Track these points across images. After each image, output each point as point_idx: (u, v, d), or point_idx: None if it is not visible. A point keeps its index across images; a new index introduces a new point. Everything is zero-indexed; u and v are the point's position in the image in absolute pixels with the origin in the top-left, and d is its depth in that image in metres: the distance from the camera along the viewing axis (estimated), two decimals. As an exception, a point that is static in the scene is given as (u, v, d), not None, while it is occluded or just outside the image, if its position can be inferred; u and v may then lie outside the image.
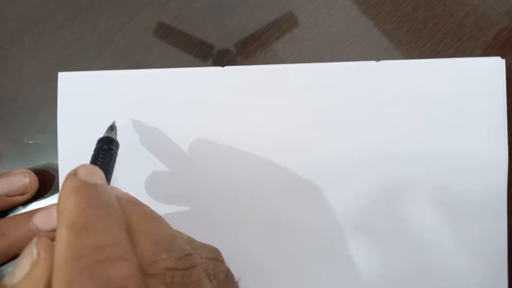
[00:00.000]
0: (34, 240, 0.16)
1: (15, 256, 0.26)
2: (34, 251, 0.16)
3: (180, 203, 0.28)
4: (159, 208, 0.27)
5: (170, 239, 0.16)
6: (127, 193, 0.19)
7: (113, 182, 0.23)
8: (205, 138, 0.28)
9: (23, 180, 0.27)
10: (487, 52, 0.28)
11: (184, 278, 0.15)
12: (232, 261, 0.20)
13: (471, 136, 0.27)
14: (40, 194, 0.29)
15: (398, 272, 0.27)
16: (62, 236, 0.15)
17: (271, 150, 0.28)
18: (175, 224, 0.25)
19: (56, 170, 0.29)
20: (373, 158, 0.27)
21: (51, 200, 0.29)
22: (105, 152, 0.22)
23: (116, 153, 0.23)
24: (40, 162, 0.29)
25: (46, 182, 0.29)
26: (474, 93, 0.27)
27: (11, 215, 0.28)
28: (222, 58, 0.29)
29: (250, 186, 0.28)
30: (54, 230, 0.26)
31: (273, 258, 0.28)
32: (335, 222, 0.27)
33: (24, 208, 0.29)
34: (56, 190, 0.29)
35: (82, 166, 0.17)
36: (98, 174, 0.18)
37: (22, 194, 0.27)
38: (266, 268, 0.28)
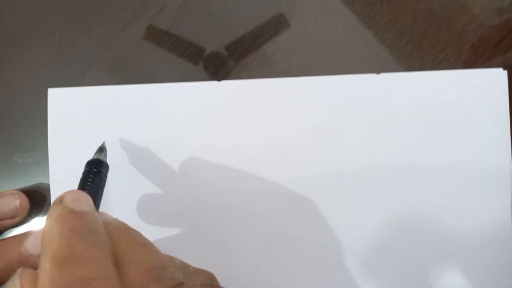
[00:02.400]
0: (18, 272, 0.15)
1: (5, 282, 0.25)
2: (17, 284, 0.15)
3: (175, 221, 0.27)
4: (153, 228, 0.27)
5: (161, 267, 0.16)
6: (116, 219, 0.18)
7: (104, 203, 0.22)
8: (201, 153, 0.27)
9: (13, 202, 0.26)
10: (488, 61, 0.28)
11: None
12: (230, 277, 0.19)
13: (474, 148, 0.27)
14: (31, 215, 0.28)
15: (398, 283, 0.27)
16: (46, 269, 0.14)
17: (269, 163, 0.27)
18: (170, 244, 0.24)
19: (47, 190, 0.28)
20: (374, 170, 0.27)
21: (43, 222, 0.28)
22: (94, 175, 0.21)
23: (105, 176, 0.22)
24: (30, 182, 0.28)
25: (37, 203, 0.28)
26: (476, 105, 0.27)
27: (1, 238, 0.27)
28: (218, 69, 0.29)
29: (246, 200, 0.27)
30: None
31: (273, 271, 0.27)
32: (336, 234, 0.27)
33: (15, 230, 0.28)
34: (47, 211, 0.28)
35: (69, 192, 0.17)
36: (85, 200, 0.17)
37: (12, 218, 0.26)
38: (265, 283, 0.27)
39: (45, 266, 0.14)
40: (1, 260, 0.24)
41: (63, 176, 0.27)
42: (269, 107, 0.27)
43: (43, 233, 0.15)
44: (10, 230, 0.28)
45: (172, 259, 0.17)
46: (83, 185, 0.21)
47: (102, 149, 0.24)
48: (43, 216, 0.28)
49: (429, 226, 0.27)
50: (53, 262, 0.14)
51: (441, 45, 0.28)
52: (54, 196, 0.27)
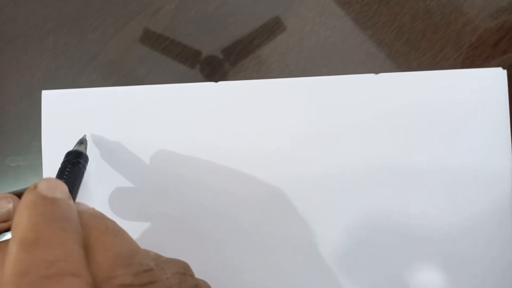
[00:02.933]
0: None
1: None
2: None
3: (168, 222, 0.27)
4: (140, 226, 0.26)
5: (130, 254, 0.16)
6: (92, 208, 0.18)
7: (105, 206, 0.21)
8: (197, 153, 0.27)
9: (6, 206, 0.25)
10: (487, 61, 0.28)
11: None
12: (214, 276, 0.18)
13: (474, 147, 0.26)
14: (24, 219, 0.27)
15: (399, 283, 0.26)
16: (12, 251, 0.14)
17: (266, 164, 0.27)
18: (161, 244, 0.24)
19: (41, 193, 0.27)
20: (373, 170, 0.27)
21: (37, 225, 0.27)
22: (73, 166, 0.22)
23: (84, 167, 0.22)
24: (24, 185, 0.28)
25: (30, 206, 0.27)
26: (476, 105, 0.26)
27: (-6, 242, 0.27)
28: (215, 71, 0.28)
29: (242, 200, 0.27)
30: None
31: (259, 273, 0.26)
32: (335, 236, 0.26)
33: (8, 234, 0.27)
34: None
35: (44, 179, 0.17)
36: (60, 188, 0.17)
37: (5, 221, 0.25)
38: (250, 283, 0.27)
39: (12, 249, 0.14)
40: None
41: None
42: (266, 107, 0.27)
43: (14, 217, 0.16)
44: (3, 234, 0.27)
45: (146, 250, 0.17)
46: (60, 175, 0.21)
47: (82, 142, 0.24)
48: (36, 219, 0.27)
49: (429, 226, 0.26)
50: (19, 244, 0.14)
51: (440, 45, 0.28)
52: (48, 199, 0.26)
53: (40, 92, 0.27)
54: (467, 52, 0.28)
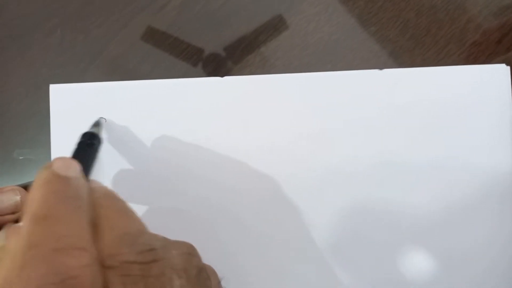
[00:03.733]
0: (6, 227, 0.17)
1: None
2: (3, 235, 0.16)
3: (174, 216, 0.27)
4: (140, 212, 0.27)
5: (136, 234, 0.16)
6: (105, 187, 0.19)
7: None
8: (203, 148, 0.27)
9: (14, 198, 0.26)
10: (491, 57, 0.28)
11: (144, 271, 0.15)
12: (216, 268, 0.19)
13: (477, 143, 0.27)
14: (31, 211, 0.27)
15: (400, 283, 0.27)
16: (25, 225, 0.15)
17: (270, 159, 0.27)
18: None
19: (48, 186, 0.28)
20: (377, 166, 0.27)
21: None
22: (87, 146, 0.22)
23: (98, 148, 0.23)
24: (31, 178, 0.28)
25: (37, 199, 0.28)
26: (479, 101, 0.27)
27: (0, 234, 0.27)
28: (219, 68, 0.29)
29: (247, 195, 0.27)
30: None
31: (260, 266, 0.27)
32: (338, 231, 0.27)
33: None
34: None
35: (58, 158, 0.17)
36: (74, 167, 0.17)
37: (12, 213, 0.26)
38: (252, 275, 0.27)
39: (25, 223, 0.15)
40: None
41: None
42: (271, 102, 0.27)
43: (28, 195, 0.16)
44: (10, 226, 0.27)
45: (153, 233, 0.17)
46: (74, 154, 0.21)
47: (97, 124, 0.25)
48: (43, 212, 0.28)
49: (431, 221, 0.27)
50: (31, 219, 0.15)
51: (444, 42, 0.28)
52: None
53: (46, 88, 0.27)
54: (470, 48, 0.28)
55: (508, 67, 0.26)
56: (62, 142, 0.27)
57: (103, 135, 0.25)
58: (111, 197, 0.18)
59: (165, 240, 0.17)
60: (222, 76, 0.28)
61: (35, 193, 0.16)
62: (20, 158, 0.28)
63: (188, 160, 0.27)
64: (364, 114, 0.27)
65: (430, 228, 0.27)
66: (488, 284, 0.26)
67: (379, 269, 0.27)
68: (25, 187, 0.27)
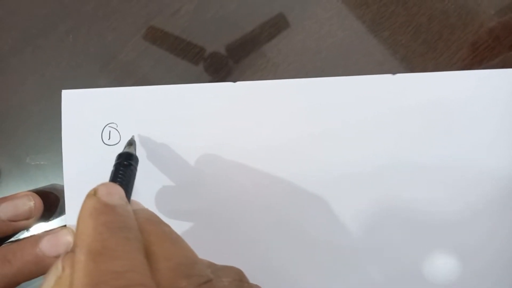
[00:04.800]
0: (62, 256, 0.16)
1: (21, 283, 0.25)
2: (59, 266, 0.16)
3: (191, 218, 0.27)
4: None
5: (190, 264, 0.16)
6: (147, 210, 0.19)
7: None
8: (216, 152, 0.27)
9: (28, 203, 0.26)
10: (503, 62, 0.28)
11: None
12: (248, 274, 0.19)
13: (489, 148, 0.27)
14: (44, 216, 0.27)
15: (406, 283, 0.27)
16: (81, 260, 0.14)
17: (283, 163, 0.27)
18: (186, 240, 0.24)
19: (61, 191, 0.28)
20: (390, 171, 0.27)
21: (56, 223, 0.28)
22: (125, 168, 0.22)
23: (135, 168, 0.22)
24: (43, 183, 0.28)
25: (50, 205, 0.28)
26: (491, 106, 0.27)
27: (15, 239, 0.27)
28: (232, 72, 0.29)
29: (259, 198, 0.27)
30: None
31: (287, 268, 0.27)
32: (346, 234, 0.27)
33: (28, 231, 0.28)
34: (61, 213, 0.28)
35: (102, 185, 0.17)
36: (118, 192, 0.17)
37: (27, 219, 0.26)
38: (277, 275, 0.27)
39: (80, 258, 0.14)
40: (16, 261, 0.24)
41: (77, 177, 0.27)
42: (284, 107, 0.27)
43: (77, 224, 0.16)
44: (24, 231, 0.27)
45: (200, 259, 0.17)
46: (114, 178, 0.21)
47: (131, 143, 0.24)
48: (57, 217, 0.28)
49: (438, 221, 0.27)
50: (88, 255, 0.14)
51: (456, 46, 0.28)
52: (68, 197, 0.27)
53: (59, 92, 0.27)
54: (483, 52, 0.28)
55: (522, 72, 0.26)
56: (74, 148, 0.27)
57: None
58: (156, 222, 0.18)
59: (212, 266, 0.17)
60: (234, 81, 0.28)
61: (85, 224, 0.16)
62: (33, 163, 0.28)
63: (200, 165, 0.27)
64: (377, 118, 0.27)
65: (436, 225, 0.27)
66: (491, 279, 0.26)
67: (387, 267, 0.27)
68: (38, 192, 0.27)
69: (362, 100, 0.27)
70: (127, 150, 0.23)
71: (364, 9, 0.28)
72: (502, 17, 0.28)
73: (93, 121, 0.27)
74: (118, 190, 0.17)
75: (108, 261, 0.14)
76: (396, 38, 0.28)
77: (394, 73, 0.27)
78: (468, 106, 0.27)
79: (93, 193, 0.17)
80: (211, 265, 0.17)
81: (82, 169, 0.27)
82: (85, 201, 0.16)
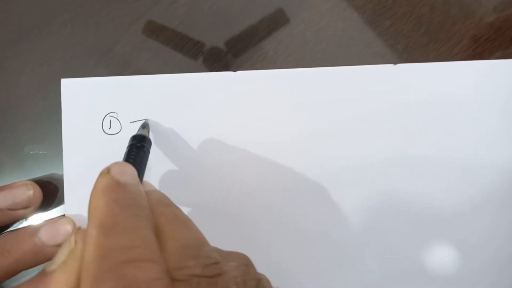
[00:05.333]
0: (74, 231, 0.17)
1: (19, 272, 0.25)
2: (72, 240, 0.16)
3: (190, 208, 0.27)
4: None
5: (198, 245, 0.16)
6: (158, 191, 0.19)
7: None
8: (217, 143, 0.27)
9: (27, 192, 0.26)
10: (505, 53, 0.28)
11: (210, 285, 0.15)
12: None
13: (490, 139, 0.26)
14: (43, 206, 0.27)
15: (407, 277, 0.27)
16: (92, 235, 0.15)
17: (285, 154, 0.27)
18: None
19: (60, 181, 0.27)
20: (389, 161, 0.27)
21: (55, 213, 0.28)
22: (138, 149, 0.22)
23: (148, 151, 0.23)
24: (42, 173, 0.28)
25: (49, 194, 0.27)
26: (492, 96, 0.26)
27: (13, 229, 0.27)
28: (230, 64, 0.28)
29: (262, 189, 0.27)
30: (59, 245, 0.25)
31: (287, 262, 0.27)
32: (348, 228, 0.27)
33: (27, 221, 0.27)
34: (60, 202, 0.27)
35: (115, 163, 0.18)
36: (130, 172, 0.18)
37: (25, 208, 0.26)
38: (278, 269, 0.27)
39: (92, 232, 0.15)
40: (15, 250, 0.24)
41: (77, 166, 0.27)
42: (284, 97, 0.27)
43: (90, 200, 0.16)
44: (22, 220, 0.27)
45: (209, 244, 0.17)
46: (127, 158, 0.21)
47: (145, 126, 0.25)
48: (56, 206, 0.28)
49: (437, 220, 0.26)
50: (99, 229, 0.15)
51: (458, 37, 0.28)
52: (67, 186, 0.27)
53: (56, 83, 0.27)
54: (485, 44, 0.28)
55: (523, 63, 0.26)
56: (74, 137, 0.27)
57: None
58: (166, 203, 0.18)
59: (220, 251, 0.17)
60: (234, 70, 0.28)
61: (97, 200, 0.16)
62: (31, 152, 0.28)
63: (200, 154, 0.27)
64: (378, 109, 0.27)
65: (436, 222, 0.27)
66: (491, 274, 0.26)
67: (387, 262, 0.27)
68: (37, 181, 0.27)
69: (363, 89, 0.27)
70: (140, 132, 0.24)
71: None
72: (504, 9, 0.28)
73: (94, 110, 0.27)
74: (131, 169, 0.18)
75: (118, 236, 0.15)
76: (397, 28, 0.28)
77: (395, 63, 0.27)
78: (470, 96, 0.27)
79: (106, 171, 0.17)
80: (218, 250, 0.18)
81: (82, 158, 0.27)
82: (98, 179, 0.17)
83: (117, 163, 0.18)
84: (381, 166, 0.27)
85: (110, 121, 0.27)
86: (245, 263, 0.17)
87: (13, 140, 0.29)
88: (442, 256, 0.27)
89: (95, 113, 0.27)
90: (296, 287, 0.27)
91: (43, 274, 0.16)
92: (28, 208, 0.26)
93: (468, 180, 0.26)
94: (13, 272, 0.24)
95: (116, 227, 0.15)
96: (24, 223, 0.27)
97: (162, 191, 0.26)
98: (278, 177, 0.27)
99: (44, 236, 0.24)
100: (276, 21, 0.29)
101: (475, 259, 0.26)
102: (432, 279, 0.26)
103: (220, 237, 0.26)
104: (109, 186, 0.16)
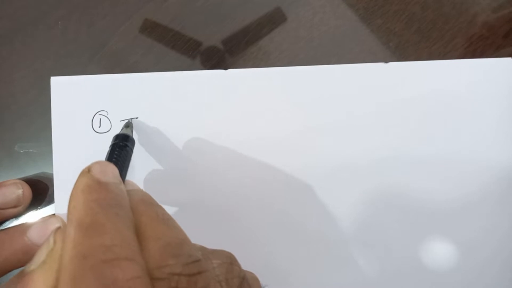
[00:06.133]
0: (54, 230, 0.16)
1: (9, 271, 0.25)
2: (51, 240, 0.16)
3: (178, 207, 0.27)
4: None
5: (179, 244, 0.16)
6: (141, 190, 0.19)
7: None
8: (208, 141, 0.27)
9: (16, 191, 0.25)
10: (497, 51, 0.28)
11: (190, 284, 0.15)
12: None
13: (482, 137, 0.26)
14: (33, 205, 0.27)
15: (404, 275, 0.27)
16: (70, 234, 0.15)
17: (275, 152, 0.27)
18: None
19: (50, 180, 0.27)
20: (381, 159, 0.27)
21: (45, 211, 0.27)
22: (121, 149, 0.22)
23: (131, 150, 0.23)
24: (33, 171, 0.28)
25: (39, 193, 0.27)
26: (484, 95, 0.26)
27: (3, 228, 0.27)
28: (221, 61, 0.28)
29: (252, 188, 0.27)
30: None
31: (281, 260, 0.27)
32: (343, 226, 0.27)
33: (17, 219, 0.27)
34: (50, 201, 0.27)
35: (96, 163, 0.17)
36: (112, 171, 0.17)
37: (15, 207, 0.25)
38: (271, 267, 0.27)
39: (70, 231, 0.15)
40: (4, 249, 0.24)
41: (67, 165, 0.27)
42: (276, 95, 0.27)
43: (69, 200, 0.16)
44: (12, 219, 0.27)
45: (192, 243, 0.17)
46: (110, 158, 0.21)
47: (128, 125, 0.25)
48: (45, 205, 0.27)
49: (433, 218, 0.27)
50: (77, 228, 0.15)
51: (450, 35, 0.28)
52: (57, 185, 0.26)
53: (49, 80, 0.27)
54: (477, 42, 0.28)
55: (515, 61, 0.26)
56: (64, 136, 0.27)
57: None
58: (149, 203, 0.18)
59: (204, 249, 0.17)
60: (225, 69, 0.27)
61: (77, 199, 0.16)
62: (22, 151, 0.28)
63: (191, 153, 0.27)
64: (369, 107, 0.27)
65: (434, 220, 0.27)
66: (489, 272, 0.26)
67: (384, 260, 0.27)
68: (27, 180, 0.27)
69: (354, 88, 0.27)
70: (124, 131, 0.24)
71: (358, -3, 0.28)
72: (496, 7, 0.28)
73: (83, 109, 0.27)
74: (112, 168, 0.18)
75: (97, 235, 0.14)
76: (389, 26, 0.28)
77: (387, 61, 0.27)
78: (461, 95, 0.27)
79: (87, 171, 0.17)
80: (202, 249, 0.17)
81: (72, 157, 0.27)
82: (78, 178, 0.17)
83: (98, 162, 0.17)
84: (374, 164, 0.27)
85: (100, 119, 0.27)
86: (229, 261, 0.17)
87: (4, 138, 0.28)
88: (439, 254, 0.27)
89: (85, 111, 0.27)
90: (291, 285, 0.27)
91: (22, 274, 0.16)
92: (18, 207, 0.26)
93: (462, 178, 0.27)
94: (3, 272, 0.24)
95: (95, 226, 0.15)
96: (14, 222, 0.27)
97: (152, 189, 0.26)
98: (268, 176, 0.27)
99: (34, 235, 0.24)
100: (269, 18, 0.28)
101: (472, 257, 0.26)
102: (429, 277, 0.27)
103: (207, 235, 0.26)
104: (89, 185, 0.16)
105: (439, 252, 0.27)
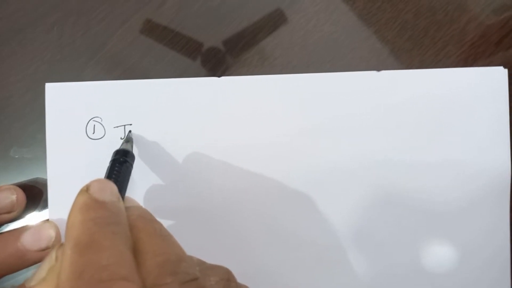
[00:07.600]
0: (56, 247, 0.17)
1: (2, 277, 0.25)
2: (53, 256, 0.16)
3: (177, 216, 0.27)
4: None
5: (177, 261, 0.16)
6: (140, 207, 0.19)
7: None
8: (202, 149, 0.27)
9: (10, 197, 0.26)
10: (489, 59, 0.28)
11: None
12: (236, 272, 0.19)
13: (474, 145, 0.27)
14: (27, 210, 0.27)
15: (400, 279, 0.27)
16: (67, 253, 0.15)
17: (269, 160, 0.27)
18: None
19: (44, 185, 0.27)
20: (373, 167, 0.27)
21: (39, 217, 0.27)
22: (120, 165, 0.22)
23: (131, 166, 0.23)
24: (27, 177, 0.28)
25: (33, 198, 0.27)
26: (476, 103, 0.27)
27: (-4, 233, 0.27)
28: (218, 65, 0.28)
29: (248, 195, 0.27)
30: (43, 250, 0.25)
31: (278, 267, 0.27)
32: (337, 231, 0.27)
33: (11, 225, 0.27)
34: (44, 207, 0.27)
35: (95, 181, 0.18)
36: (110, 189, 0.18)
37: (8, 212, 0.26)
38: (267, 275, 0.27)
39: (67, 251, 0.15)
40: (-2, 255, 0.24)
41: (61, 171, 0.27)
42: (269, 103, 0.27)
43: (68, 219, 0.16)
44: (6, 225, 0.27)
45: (190, 257, 0.17)
46: (109, 174, 0.21)
47: (128, 140, 0.25)
48: (39, 211, 0.28)
49: (427, 223, 0.27)
50: (74, 247, 0.15)
51: (442, 43, 0.28)
52: (51, 191, 0.27)
53: (44, 85, 0.27)
54: (470, 49, 0.28)
55: (506, 70, 0.26)
56: (58, 142, 0.27)
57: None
58: (147, 219, 0.18)
59: (201, 264, 0.17)
60: (219, 75, 0.28)
61: (74, 218, 0.16)
62: (16, 156, 0.28)
63: (186, 160, 0.27)
64: (361, 115, 0.27)
65: (427, 225, 0.27)
66: (487, 276, 0.27)
67: (379, 266, 0.27)
68: (22, 186, 0.27)
69: (346, 96, 0.27)
70: (124, 147, 0.23)
71: (351, 4, 0.28)
72: (489, 14, 0.28)
73: (78, 115, 0.27)
74: (111, 186, 0.18)
75: (93, 253, 0.14)
76: (382, 34, 0.28)
77: (379, 69, 0.27)
78: (453, 103, 0.27)
79: (86, 189, 0.17)
80: (200, 263, 0.18)
81: (66, 163, 0.27)
82: (77, 197, 0.17)
83: (97, 181, 0.18)
84: (367, 171, 0.27)
85: (94, 125, 0.27)
86: (226, 277, 0.17)
87: (0, 143, 0.28)
88: (434, 258, 0.27)
89: (79, 118, 0.27)
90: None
91: None
92: (12, 212, 0.26)
93: (455, 185, 0.27)
94: None
95: (92, 245, 0.15)
96: (8, 227, 0.27)
97: (147, 199, 0.27)
98: (265, 184, 0.27)
99: (28, 241, 0.24)
100: (263, 23, 0.29)
101: (469, 260, 0.27)
102: (425, 281, 0.27)
103: (207, 246, 0.26)
104: (86, 204, 0.16)
105: (435, 256, 0.27)
